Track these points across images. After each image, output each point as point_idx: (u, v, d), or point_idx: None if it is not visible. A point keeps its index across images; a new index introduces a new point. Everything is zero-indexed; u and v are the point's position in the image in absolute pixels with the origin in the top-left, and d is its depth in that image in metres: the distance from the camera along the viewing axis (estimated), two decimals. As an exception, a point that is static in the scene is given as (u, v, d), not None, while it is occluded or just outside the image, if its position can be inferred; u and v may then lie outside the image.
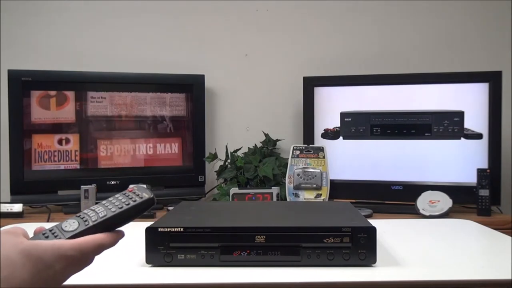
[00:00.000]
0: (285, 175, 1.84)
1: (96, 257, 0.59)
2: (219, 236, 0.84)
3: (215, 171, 2.07)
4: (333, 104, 1.95)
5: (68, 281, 0.57)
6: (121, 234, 0.62)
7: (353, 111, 1.93)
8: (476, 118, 1.82)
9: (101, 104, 1.94)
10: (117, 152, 1.97)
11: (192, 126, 2.04)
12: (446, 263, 0.88)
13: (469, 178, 1.80)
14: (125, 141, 1.98)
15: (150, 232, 0.84)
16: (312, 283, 0.77)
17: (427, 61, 2.14)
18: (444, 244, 1.05)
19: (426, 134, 1.86)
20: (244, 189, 1.82)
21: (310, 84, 1.97)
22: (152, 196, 0.64)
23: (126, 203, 0.62)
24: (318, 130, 1.96)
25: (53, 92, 1.89)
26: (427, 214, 1.67)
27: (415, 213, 1.71)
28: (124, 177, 1.95)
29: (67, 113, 1.91)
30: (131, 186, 0.74)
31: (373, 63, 2.15)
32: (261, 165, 1.95)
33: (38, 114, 1.88)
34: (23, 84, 1.85)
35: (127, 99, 1.97)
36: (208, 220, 0.96)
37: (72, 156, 1.92)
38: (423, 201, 1.72)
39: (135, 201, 0.63)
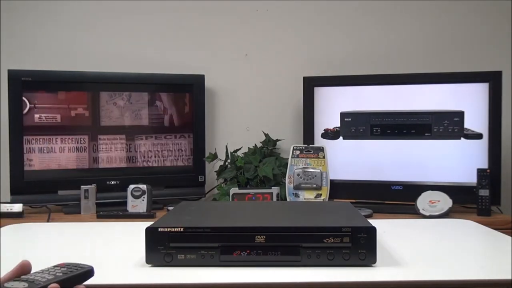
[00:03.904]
0: (285, 175, 1.84)
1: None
2: (219, 236, 0.84)
3: (215, 171, 2.07)
4: (333, 104, 1.95)
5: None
6: None
7: (353, 111, 1.93)
8: (476, 118, 1.82)
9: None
10: (117, 151, 1.97)
11: (192, 126, 2.04)
12: (446, 263, 0.88)
13: (469, 178, 1.80)
14: (125, 141, 1.98)
15: (150, 232, 0.84)
16: (312, 283, 0.77)
17: (427, 61, 2.14)
18: (444, 244, 1.05)
19: (426, 134, 1.86)
20: (244, 189, 1.82)
21: (310, 84, 1.97)
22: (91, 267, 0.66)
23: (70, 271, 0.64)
24: (318, 130, 1.96)
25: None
26: (427, 214, 1.67)
27: (415, 213, 1.71)
28: (124, 177, 1.95)
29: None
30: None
31: (373, 63, 2.15)
32: (261, 165, 1.95)
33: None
34: (23, 84, 1.85)
35: (127, 99, 1.97)
36: (208, 220, 0.96)
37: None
38: (423, 201, 1.72)
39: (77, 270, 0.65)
